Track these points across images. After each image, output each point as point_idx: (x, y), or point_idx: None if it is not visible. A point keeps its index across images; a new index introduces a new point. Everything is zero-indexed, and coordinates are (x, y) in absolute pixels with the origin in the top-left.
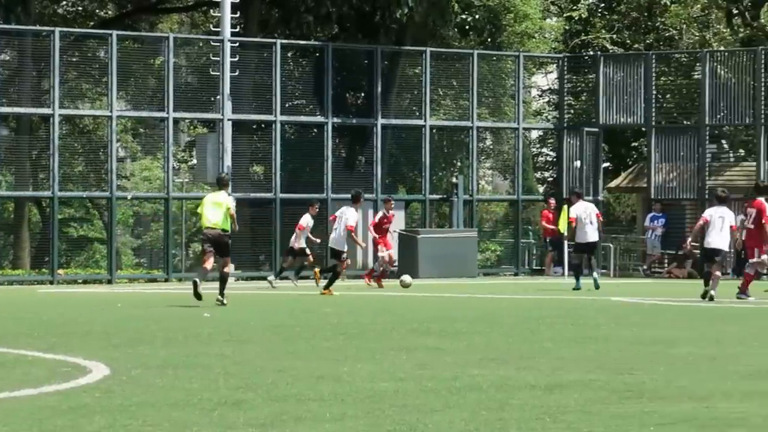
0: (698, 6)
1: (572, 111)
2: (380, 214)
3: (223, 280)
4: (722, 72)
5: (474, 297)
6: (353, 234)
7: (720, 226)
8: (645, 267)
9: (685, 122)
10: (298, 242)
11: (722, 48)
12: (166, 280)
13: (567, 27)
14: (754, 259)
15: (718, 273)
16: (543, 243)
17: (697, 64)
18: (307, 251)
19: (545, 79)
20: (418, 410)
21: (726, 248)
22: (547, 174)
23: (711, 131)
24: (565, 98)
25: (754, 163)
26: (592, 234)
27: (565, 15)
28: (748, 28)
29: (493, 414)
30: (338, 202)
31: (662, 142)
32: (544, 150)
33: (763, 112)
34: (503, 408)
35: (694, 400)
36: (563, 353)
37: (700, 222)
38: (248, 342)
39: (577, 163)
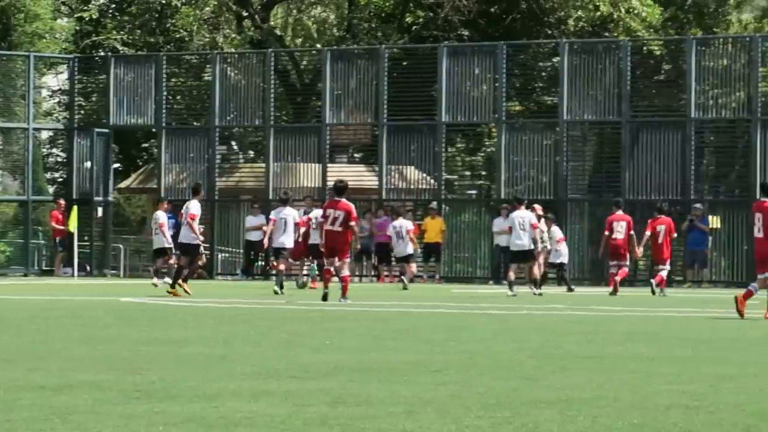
0: (209, 8)
1: (83, 112)
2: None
3: None
4: (232, 74)
5: None
6: (192, 223)
7: (283, 227)
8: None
9: (195, 123)
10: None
11: (232, 50)
12: None
13: (78, 27)
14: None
15: (282, 267)
16: (53, 244)
17: (208, 66)
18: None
19: (56, 80)
20: None
21: (292, 245)
22: (57, 175)
23: (221, 132)
24: (76, 99)
25: (263, 165)
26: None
27: (75, 15)
28: (257, 30)
29: (1, 415)
30: None
31: (173, 143)
32: (55, 151)
33: (272, 114)
34: (12, 409)
35: (203, 400)
36: (73, 354)
37: (270, 225)
38: None
39: (88, 164)
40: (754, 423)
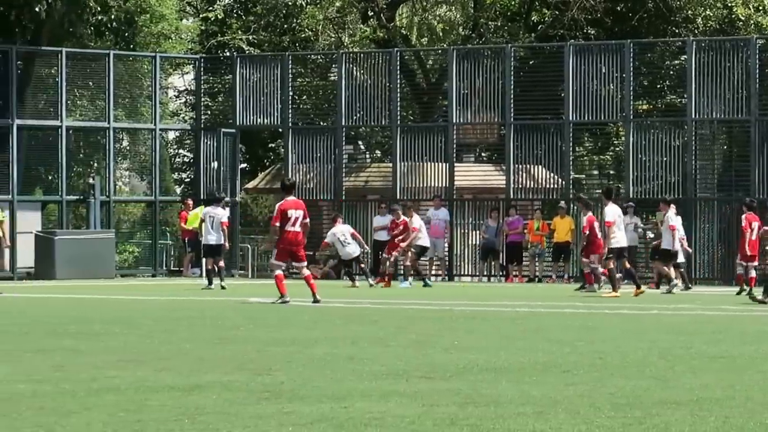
0: (334, 8)
1: (209, 112)
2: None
3: None
4: (358, 73)
5: (112, 298)
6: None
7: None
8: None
9: (321, 123)
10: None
11: (358, 49)
12: None
13: (203, 28)
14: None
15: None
16: (182, 244)
17: (333, 66)
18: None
19: (182, 80)
20: (56, 412)
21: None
22: (184, 175)
23: (347, 132)
24: (202, 99)
25: (390, 164)
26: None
27: (201, 16)
28: (383, 29)
29: (131, 415)
30: None
31: (299, 143)
32: (182, 151)
33: (399, 113)
34: (141, 410)
35: (332, 400)
36: (201, 354)
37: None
38: None
39: (215, 164)
40: None
